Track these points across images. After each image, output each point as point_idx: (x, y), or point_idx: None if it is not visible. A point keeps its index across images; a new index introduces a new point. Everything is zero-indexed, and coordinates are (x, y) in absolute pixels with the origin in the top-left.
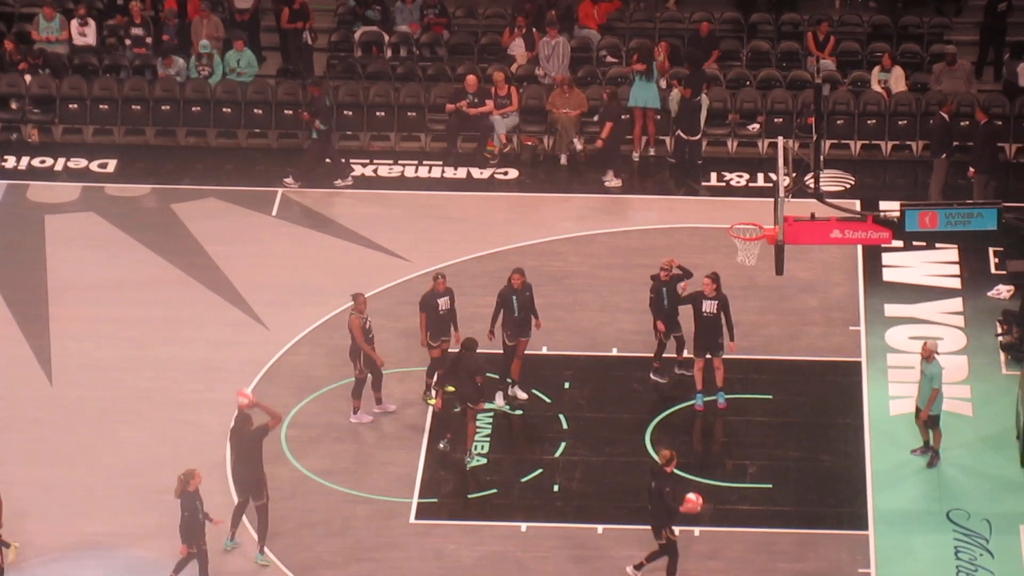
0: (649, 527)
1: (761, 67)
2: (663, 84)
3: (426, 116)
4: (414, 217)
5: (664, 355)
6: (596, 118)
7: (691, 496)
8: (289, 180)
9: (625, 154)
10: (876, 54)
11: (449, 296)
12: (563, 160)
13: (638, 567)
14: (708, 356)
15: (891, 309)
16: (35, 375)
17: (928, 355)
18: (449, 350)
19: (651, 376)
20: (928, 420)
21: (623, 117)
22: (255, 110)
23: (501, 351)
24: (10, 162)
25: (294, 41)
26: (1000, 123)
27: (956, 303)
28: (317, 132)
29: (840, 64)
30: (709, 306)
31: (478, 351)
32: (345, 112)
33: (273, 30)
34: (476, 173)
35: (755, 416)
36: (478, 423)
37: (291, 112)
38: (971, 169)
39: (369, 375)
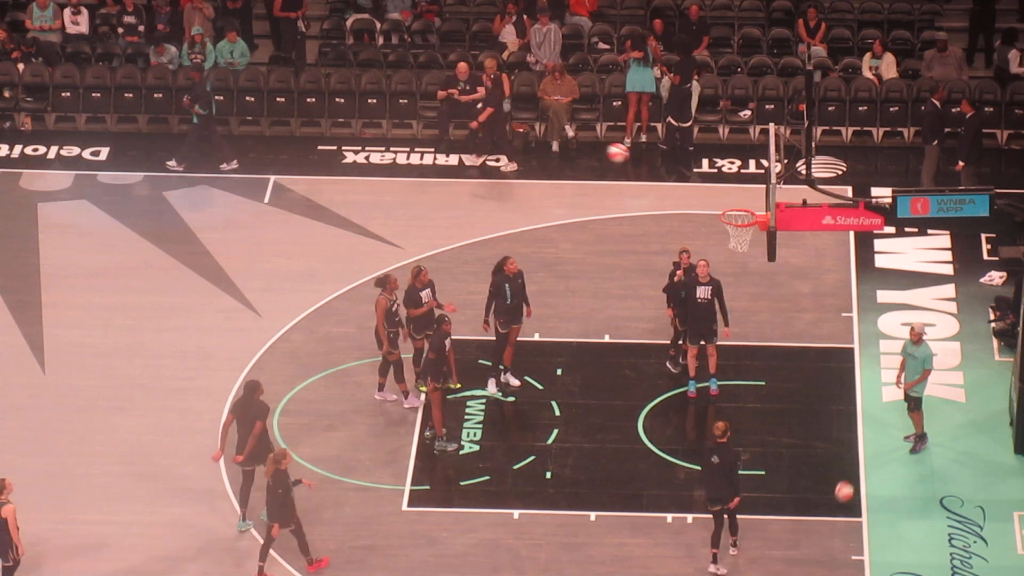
0: (714, 505)
1: (752, 54)
2: (657, 73)
3: (417, 103)
4: (406, 204)
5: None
6: (479, 106)
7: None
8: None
9: (617, 140)
10: (867, 41)
11: (431, 287)
12: (555, 147)
13: (721, 554)
14: (702, 342)
15: (884, 295)
16: (28, 363)
17: (917, 338)
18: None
19: (667, 364)
20: (911, 402)
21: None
22: (247, 97)
23: (494, 338)
24: (3, 150)
25: (286, 29)
26: (992, 109)
27: (949, 289)
28: (197, 117)
29: (831, 51)
30: (703, 292)
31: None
32: (337, 99)
33: (265, 17)
34: (468, 160)
35: (748, 403)
36: (470, 410)
37: (283, 100)
38: (960, 163)
39: (393, 356)
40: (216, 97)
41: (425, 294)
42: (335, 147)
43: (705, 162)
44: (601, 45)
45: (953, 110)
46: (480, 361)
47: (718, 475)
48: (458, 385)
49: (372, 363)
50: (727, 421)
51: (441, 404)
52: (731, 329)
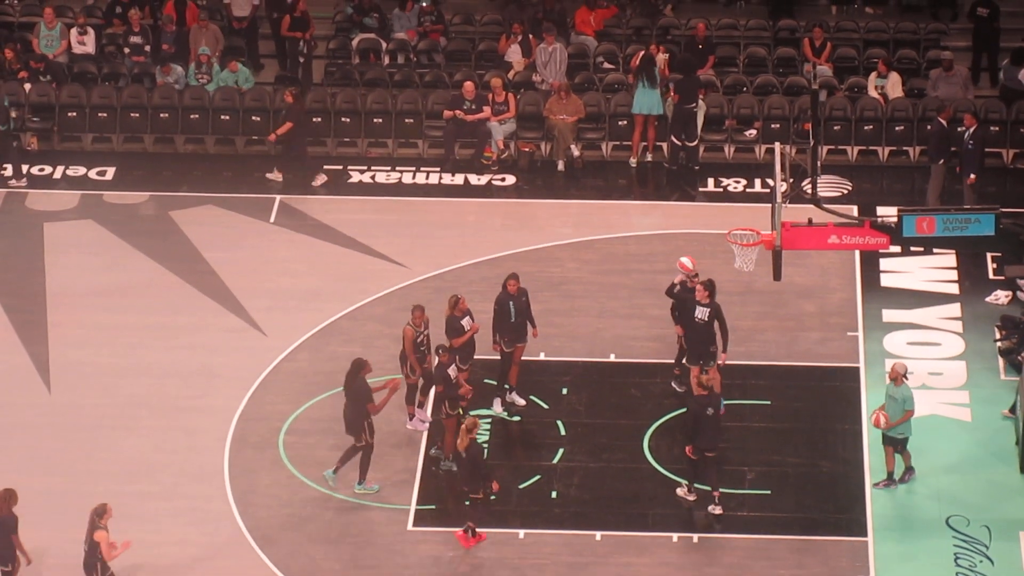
0: (712, 452)
1: (758, 73)
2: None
3: (423, 123)
4: (412, 223)
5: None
6: (283, 115)
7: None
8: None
9: (623, 159)
10: (872, 60)
11: (470, 315)
12: (560, 166)
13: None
14: (700, 363)
15: (889, 315)
16: (33, 382)
17: (897, 378)
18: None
19: (672, 383)
20: (897, 444)
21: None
22: (253, 117)
23: (498, 357)
24: (9, 170)
25: (292, 49)
26: (997, 128)
27: (954, 308)
28: None
29: (837, 70)
30: (701, 313)
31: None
32: (343, 119)
33: (271, 37)
34: (474, 179)
35: (753, 422)
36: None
37: None
38: (972, 176)
39: (420, 381)
40: (222, 116)
41: (466, 321)
42: (341, 166)
43: (711, 181)
44: (606, 65)
45: (959, 128)
46: (485, 380)
47: (714, 425)
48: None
49: (377, 382)
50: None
51: (454, 431)
52: (737, 348)
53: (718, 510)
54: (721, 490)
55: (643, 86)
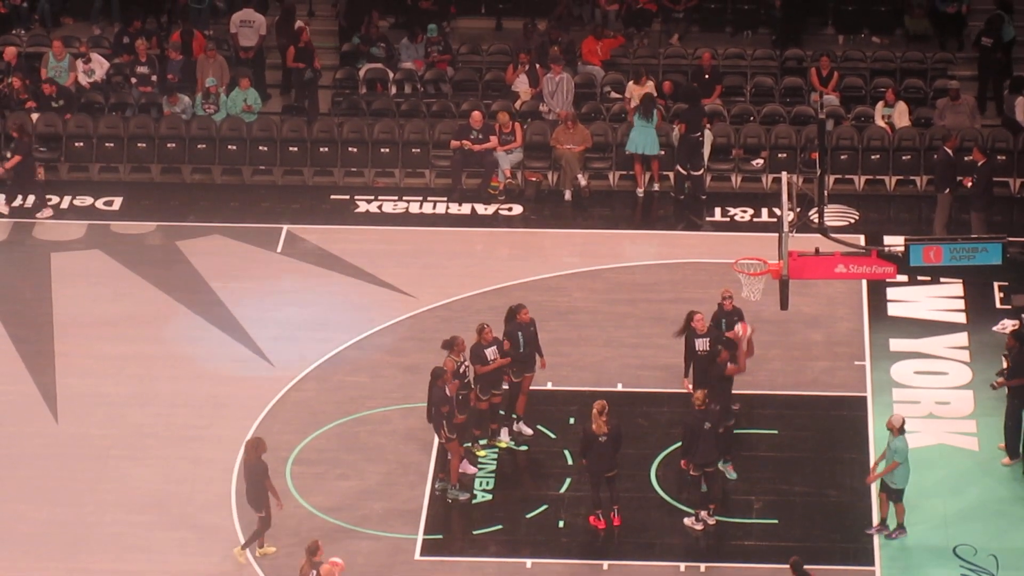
0: (708, 467)
1: (765, 102)
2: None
3: (430, 152)
4: (418, 253)
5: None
6: (9, 152)
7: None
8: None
9: (630, 189)
10: (880, 89)
11: (496, 345)
12: (567, 196)
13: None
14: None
15: (896, 344)
16: (40, 412)
17: (893, 429)
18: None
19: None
20: (892, 493)
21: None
22: (260, 147)
23: (506, 387)
24: (17, 200)
25: (299, 79)
26: (1003, 157)
27: (961, 338)
28: None
29: (844, 99)
30: (702, 344)
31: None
32: (350, 149)
33: (278, 67)
34: (480, 209)
35: (760, 451)
36: (482, 459)
37: (296, 149)
38: (973, 213)
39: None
40: (229, 146)
41: (491, 351)
42: (348, 196)
43: (718, 211)
44: (613, 94)
45: (966, 158)
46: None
47: (711, 439)
48: (482, 453)
49: (384, 412)
50: (702, 389)
51: (459, 455)
52: (744, 377)
53: (712, 520)
54: (728, 519)
55: (639, 120)
